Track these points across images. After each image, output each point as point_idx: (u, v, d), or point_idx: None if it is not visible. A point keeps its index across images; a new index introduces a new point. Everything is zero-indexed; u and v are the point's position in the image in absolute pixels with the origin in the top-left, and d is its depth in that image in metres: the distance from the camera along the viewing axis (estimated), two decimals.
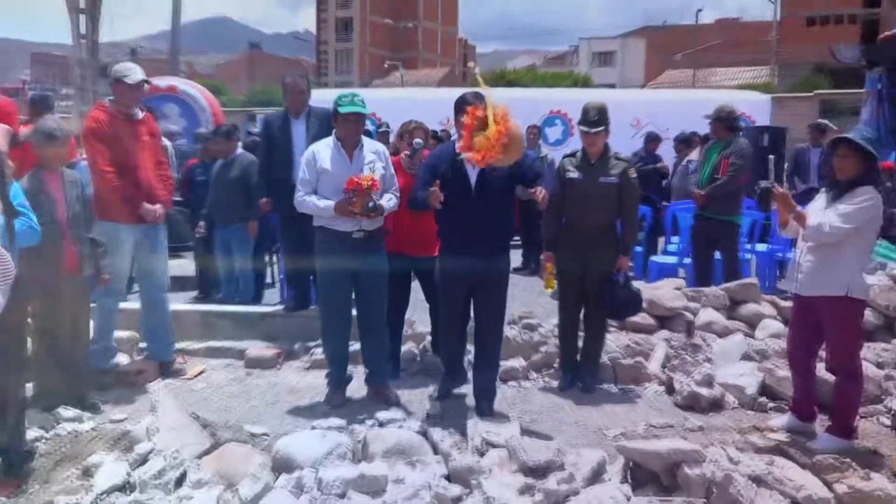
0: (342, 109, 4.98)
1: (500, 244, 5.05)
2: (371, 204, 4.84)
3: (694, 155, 9.64)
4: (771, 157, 10.75)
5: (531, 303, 7.02)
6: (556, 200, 5.49)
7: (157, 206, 5.55)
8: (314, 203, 4.99)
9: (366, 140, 5.19)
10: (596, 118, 5.42)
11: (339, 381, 5.28)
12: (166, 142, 8.29)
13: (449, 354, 5.35)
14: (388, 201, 5.06)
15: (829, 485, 3.73)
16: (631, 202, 5.54)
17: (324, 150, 5.06)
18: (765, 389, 5.28)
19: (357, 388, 5.43)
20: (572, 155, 5.66)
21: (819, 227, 4.30)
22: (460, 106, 4.85)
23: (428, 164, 5.04)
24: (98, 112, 5.52)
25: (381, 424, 4.62)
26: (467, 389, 5.33)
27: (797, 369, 4.72)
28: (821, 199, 4.52)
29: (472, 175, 4.83)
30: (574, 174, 5.50)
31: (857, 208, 4.24)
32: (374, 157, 5.09)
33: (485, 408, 5.02)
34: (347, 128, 5.02)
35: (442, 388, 5.34)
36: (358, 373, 5.50)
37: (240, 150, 7.76)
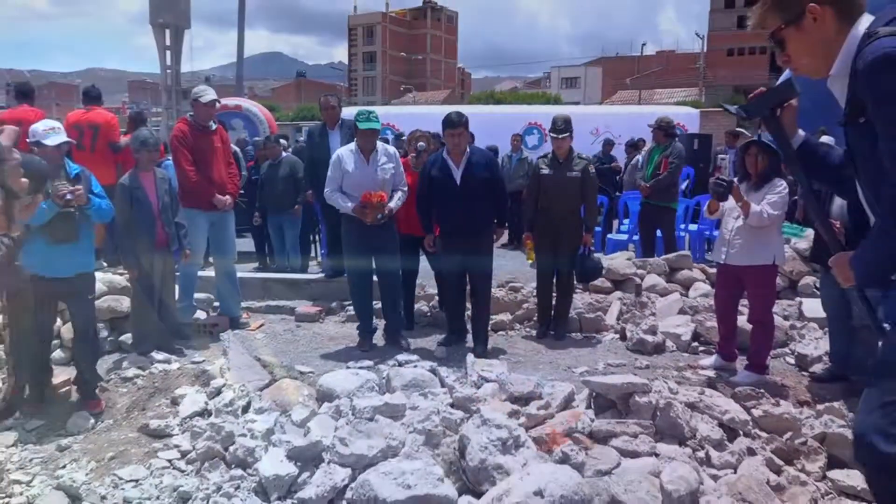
0: (360, 126, 4.96)
1: (482, 224, 5.05)
2: (380, 216, 4.90)
3: (638, 156, 9.56)
4: (724, 157, 10.79)
5: (515, 271, 6.93)
6: (533, 191, 5.51)
7: (227, 198, 5.50)
8: (339, 200, 5.00)
9: (380, 145, 5.14)
10: (562, 126, 5.38)
11: (366, 331, 5.25)
12: (236, 148, 8.19)
13: (451, 312, 5.34)
14: (398, 199, 5.08)
15: (747, 410, 3.69)
16: (591, 191, 5.48)
17: (347, 155, 5.02)
18: (696, 336, 5.24)
19: (382, 336, 5.39)
20: (544, 156, 5.60)
21: (760, 213, 4.21)
22: (446, 122, 4.98)
23: (423, 168, 5.18)
24: (181, 124, 5.47)
25: (400, 364, 4.60)
26: (466, 339, 5.31)
27: (722, 320, 4.67)
28: (741, 187, 4.43)
29: (457, 174, 4.93)
30: (546, 171, 5.44)
31: (780, 197, 4.20)
32: (386, 159, 5.07)
33: (480, 351, 5.00)
34: (365, 139, 5.01)
35: (447, 338, 5.30)
36: (381, 325, 5.46)
37: (285, 154, 7.66)
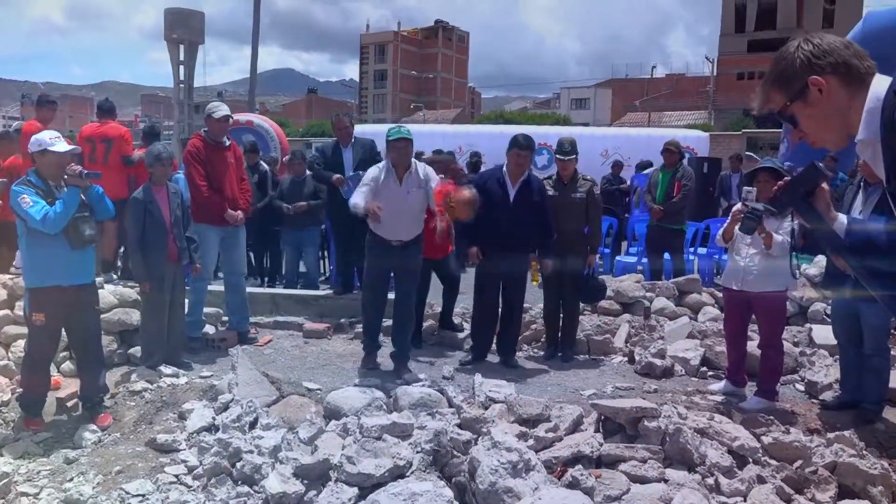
0: (391, 137, 4.84)
1: (525, 244, 5.20)
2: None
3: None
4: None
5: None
6: None
7: (238, 213, 5.53)
8: (355, 199, 4.78)
9: (419, 166, 4.97)
10: (569, 149, 5.41)
11: (371, 348, 5.18)
12: (266, 167, 8.27)
13: (480, 329, 5.42)
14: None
15: (757, 436, 3.67)
16: (596, 212, 5.51)
17: (381, 173, 4.87)
18: (705, 361, 5.22)
19: (385, 354, 5.35)
20: (549, 178, 5.62)
21: (782, 243, 4.19)
22: (513, 143, 5.16)
23: (476, 182, 5.33)
24: (195, 140, 5.54)
25: (407, 383, 4.59)
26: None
27: (732, 345, 4.65)
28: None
29: (511, 193, 5.15)
30: (551, 192, 5.46)
31: (792, 223, 4.18)
32: (418, 183, 4.87)
33: (512, 362, 5.25)
34: (397, 152, 4.84)
35: (473, 356, 5.36)
36: (387, 342, 5.42)
37: (308, 172, 7.70)
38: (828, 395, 4.50)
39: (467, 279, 6.27)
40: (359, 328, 5.87)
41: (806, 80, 1.55)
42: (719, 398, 4.48)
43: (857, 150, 1.60)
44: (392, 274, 5.08)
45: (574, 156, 5.41)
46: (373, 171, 4.92)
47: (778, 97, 1.62)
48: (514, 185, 5.16)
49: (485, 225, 5.11)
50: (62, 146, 4.06)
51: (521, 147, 5.12)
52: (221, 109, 5.48)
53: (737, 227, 4.29)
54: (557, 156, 5.49)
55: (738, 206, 4.36)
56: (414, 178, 4.89)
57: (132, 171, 6.86)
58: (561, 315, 5.58)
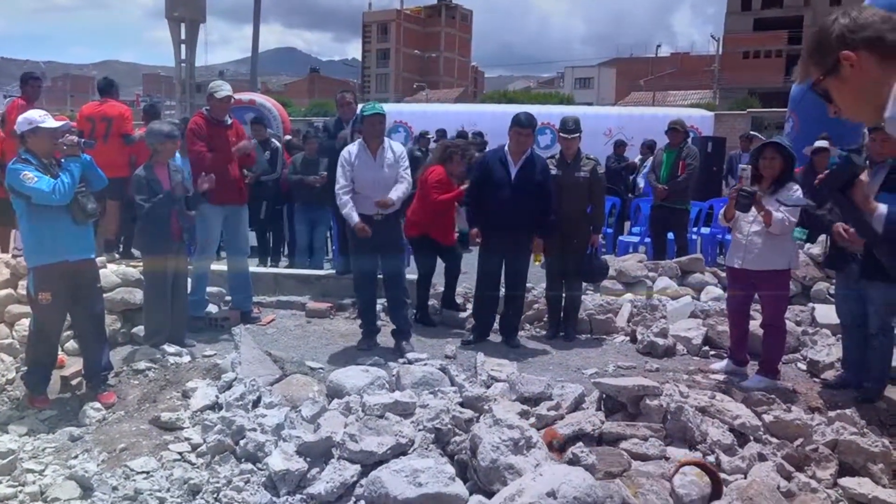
0: (366, 112, 4.96)
1: (526, 223, 5.13)
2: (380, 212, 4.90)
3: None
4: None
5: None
6: None
7: (249, 142, 5.67)
8: (347, 208, 4.89)
9: (388, 142, 5.08)
10: (572, 127, 5.38)
11: (369, 330, 5.19)
12: (277, 143, 8.27)
13: (482, 308, 5.42)
14: (395, 192, 4.91)
15: (758, 415, 3.68)
16: (599, 192, 5.49)
17: (354, 150, 4.99)
18: (707, 340, 5.21)
19: (386, 333, 5.36)
20: (552, 157, 5.58)
21: (783, 220, 4.16)
22: (515, 121, 5.16)
23: (480, 162, 5.37)
24: (197, 118, 5.53)
25: (409, 362, 4.60)
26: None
27: (735, 324, 4.64)
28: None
29: (513, 171, 5.11)
30: (554, 171, 5.42)
31: (795, 206, 4.15)
32: (391, 155, 4.99)
33: (514, 342, 5.23)
34: (371, 128, 4.94)
35: (475, 334, 5.35)
36: (387, 321, 5.44)
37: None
38: (829, 374, 4.50)
39: (470, 259, 6.27)
40: None
41: (837, 56, 1.51)
42: (721, 377, 4.48)
43: (887, 128, 1.57)
44: (378, 250, 5.06)
45: (578, 134, 5.37)
46: (344, 153, 5.00)
47: (814, 71, 1.59)
48: (515, 163, 5.14)
49: (487, 204, 5.16)
50: (52, 122, 4.08)
51: (522, 125, 5.10)
52: (224, 89, 5.46)
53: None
54: (561, 133, 5.46)
55: (735, 185, 4.35)
56: (388, 155, 4.98)
57: (133, 149, 6.83)
58: (563, 295, 5.58)
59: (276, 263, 8.07)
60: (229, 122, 5.56)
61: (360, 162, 4.93)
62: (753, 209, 4.19)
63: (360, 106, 6.06)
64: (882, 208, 1.89)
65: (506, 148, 5.24)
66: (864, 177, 1.85)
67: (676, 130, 7.32)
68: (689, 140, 7.63)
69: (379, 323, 5.35)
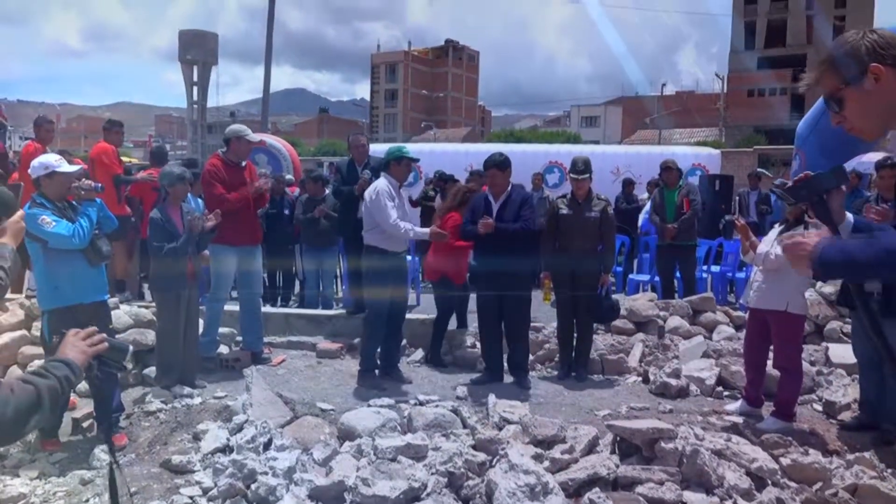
0: (405, 155, 5.21)
1: (516, 259, 5.11)
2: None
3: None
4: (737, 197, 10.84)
5: (536, 310, 6.87)
6: (551, 230, 5.57)
7: (265, 181, 5.76)
8: (412, 229, 5.19)
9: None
10: (582, 168, 5.45)
11: (374, 367, 5.27)
12: (287, 190, 8.46)
13: (487, 349, 5.44)
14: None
15: (775, 458, 3.63)
16: (609, 232, 5.52)
17: (386, 188, 5.12)
18: (720, 380, 5.18)
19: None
20: (563, 196, 5.64)
21: (766, 254, 4.22)
22: (485, 164, 5.30)
23: (469, 207, 5.49)
24: (214, 160, 5.61)
25: (421, 404, 4.58)
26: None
27: (750, 365, 4.61)
28: (774, 231, 4.44)
29: (495, 208, 5.22)
30: (565, 210, 5.48)
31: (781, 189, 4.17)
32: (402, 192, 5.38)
33: (524, 383, 5.21)
34: (407, 169, 5.28)
35: (482, 376, 5.35)
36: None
37: (327, 192, 7.75)
38: (846, 416, 4.45)
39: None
40: None
41: (867, 66, 1.58)
42: (736, 418, 4.43)
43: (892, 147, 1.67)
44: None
45: (588, 174, 5.43)
46: (385, 190, 5.09)
47: (832, 79, 1.66)
48: (496, 201, 5.25)
49: (476, 246, 5.30)
50: (68, 167, 4.15)
51: (490, 166, 5.23)
52: (251, 135, 5.66)
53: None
54: (571, 175, 5.53)
55: (734, 218, 4.42)
56: (402, 193, 5.35)
57: (133, 190, 6.91)
58: (574, 334, 5.57)
59: (286, 303, 8.10)
60: (244, 163, 5.66)
61: (396, 200, 5.15)
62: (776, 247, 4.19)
63: (383, 147, 6.23)
64: (850, 217, 2.08)
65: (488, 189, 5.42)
66: (843, 188, 1.98)
67: (671, 169, 7.41)
68: (689, 178, 7.71)
69: None
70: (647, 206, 9.07)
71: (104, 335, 1.72)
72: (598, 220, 5.41)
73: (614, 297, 5.96)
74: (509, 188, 5.23)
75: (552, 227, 5.55)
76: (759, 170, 12.79)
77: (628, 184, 11.31)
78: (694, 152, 16.31)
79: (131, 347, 3.10)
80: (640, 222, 9.61)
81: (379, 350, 5.32)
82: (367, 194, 5.21)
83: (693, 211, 7.18)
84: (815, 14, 48.43)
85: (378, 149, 9.86)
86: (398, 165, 5.20)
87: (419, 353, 5.93)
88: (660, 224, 7.33)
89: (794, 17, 50.06)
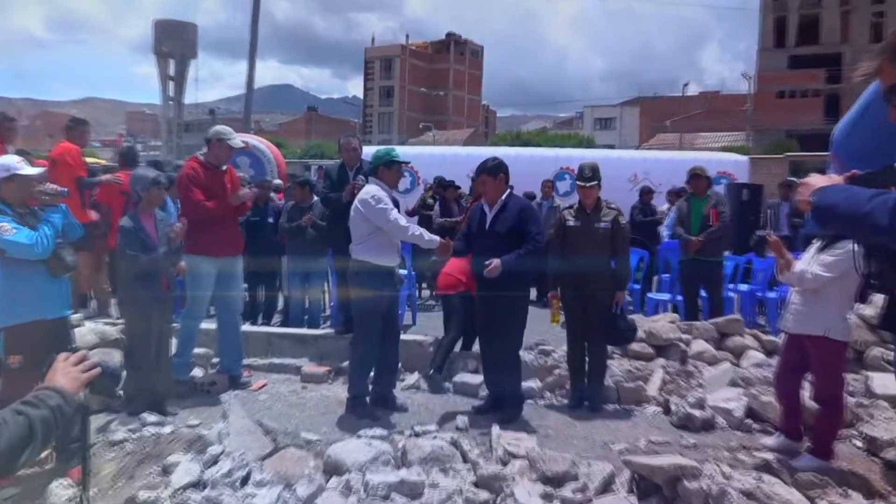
0: (395, 159, 5.24)
1: (512, 270, 5.02)
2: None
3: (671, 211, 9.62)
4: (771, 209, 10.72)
5: (546, 332, 6.88)
6: (559, 244, 5.55)
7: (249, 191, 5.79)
8: (420, 232, 5.25)
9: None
10: (590, 175, 5.45)
11: (365, 394, 5.25)
12: (274, 196, 8.46)
13: (485, 374, 5.43)
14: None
15: (811, 500, 3.59)
16: (622, 244, 5.49)
17: (383, 194, 5.16)
18: (750, 412, 5.13)
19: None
20: (570, 206, 5.64)
21: (802, 273, 4.20)
22: (477, 172, 5.32)
23: (467, 217, 5.54)
24: (193, 162, 5.61)
25: (417, 435, 4.54)
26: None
27: (784, 396, 4.57)
28: (812, 248, 4.41)
29: (489, 217, 5.17)
30: (572, 222, 5.48)
31: (836, 259, 4.13)
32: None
33: (503, 416, 5.02)
34: (396, 176, 5.30)
35: (488, 404, 5.32)
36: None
37: (315, 199, 7.75)
38: (890, 453, 4.40)
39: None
40: None
41: None
42: (767, 455, 4.38)
43: None
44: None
45: (595, 182, 5.43)
46: (382, 195, 5.12)
47: (893, 71, 1.68)
48: (491, 210, 5.22)
49: (472, 259, 5.24)
50: (30, 168, 4.13)
51: (480, 171, 5.24)
52: (235, 138, 5.64)
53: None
54: (578, 182, 5.53)
55: (766, 234, 4.39)
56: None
57: (101, 195, 6.90)
58: (587, 359, 5.54)
59: (268, 321, 8.08)
60: (224, 167, 5.66)
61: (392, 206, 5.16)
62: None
63: (373, 149, 6.22)
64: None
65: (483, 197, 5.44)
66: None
67: (701, 177, 7.40)
68: (712, 185, 7.69)
69: None
70: (670, 217, 9.06)
71: (97, 360, 1.70)
72: (609, 231, 5.39)
73: (631, 317, 5.94)
74: (504, 196, 5.19)
75: (560, 240, 5.54)
76: (790, 178, 12.78)
77: (646, 192, 11.35)
78: (719, 158, 16.41)
79: (124, 373, 3.06)
80: (663, 234, 9.62)
81: (371, 374, 5.28)
82: (357, 201, 5.17)
83: (722, 223, 7.17)
84: (851, 9, 48.77)
85: (371, 151, 9.90)
86: (388, 171, 5.22)
87: (414, 378, 5.89)
88: (684, 236, 7.32)
89: (828, 12, 50.44)
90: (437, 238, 5.26)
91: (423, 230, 5.33)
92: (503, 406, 5.20)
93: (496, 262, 4.91)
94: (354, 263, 5.16)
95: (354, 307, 5.26)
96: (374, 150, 6.00)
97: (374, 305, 5.11)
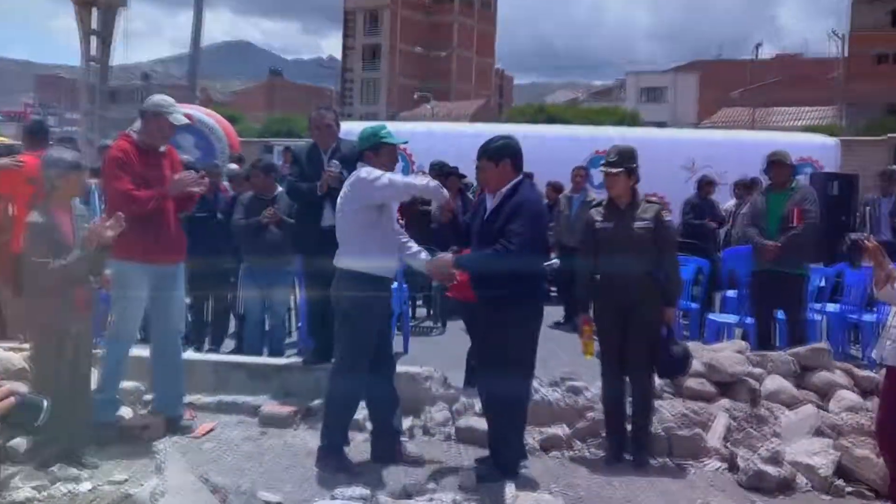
0: (385, 139, 5.23)
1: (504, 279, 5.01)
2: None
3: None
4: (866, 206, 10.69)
5: (575, 362, 6.90)
6: (588, 252, 5.59)
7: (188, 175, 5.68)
8: (426, 181, 5.31)
9: None
10: (615, 159, 5.48)
11: (344, 442, 5.26)
12: (228, 185, 8.46)
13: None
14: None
15: None
16: (668, 247, 5.52)
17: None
18: (840, 470, 5.13)
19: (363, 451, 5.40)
20: (598, 204, 5.66)
21: None
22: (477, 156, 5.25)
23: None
24: (123, 142, 5.59)
25: (409, 496, 4.55)
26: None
27: (888, 449, 4.56)
28: None
29: (489, 208, 5.21)
30: (602, 223, 5.51)
31: None
32: None
33: (484, 472, 5.04)
34: (389, 160, 5.27)
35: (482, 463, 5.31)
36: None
37: (280, 188, 7.76)
38: None
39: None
40: None
41: None
42: None
43: None
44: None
45: (622, 168, 5.45)
46: (373, 169, 5.15)
47: None
48: (491, 201, 5.24)
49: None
50: None
51: (479, 155, 5.23)
52: (178, 112, 5.63)
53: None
54: (601, 168, 5.59)
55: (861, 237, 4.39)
56: None
57: (1, 185, 6.91)
58: (628, 399, 5.55)
59: (217, 348, 8.08)
60: (163, 149, 5.69)
61: (389, 212, 5.21)
62: None
63: (359, 126, 6.24)
64: None
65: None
66: None
67: (781, 165, 7.40)
68: (801, 177, 7.71)
69: None
70: (744, 210, 9.01)
71: (13, 388, 1.71)
72: (651, 231, 5.40)
73: (685, 343, 5.93)
74: (510, 186, 5.13)
75: (589, 246, 5.58)
76: (893, 167, 12.80)
77: (706, 184, 11.32)
78: (800, 140, 16.47)
79: (46, 402, 3.08)
80: (733, 234, 9.63)
81: (352, 419, 5.34)
82: (347, 188, 5.19)
83: (806, 225, 7.15)
84: None
85: (352, 129, 9.91)
86: (376, 155, 5.20)
87: (407, 422, 5.90)
88: (757, 240, 7.33)
89: None
90: (444, 191, 5.25)
91: (427, 178, 5.42)
92: (498, 460, 5.20)
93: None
94: (340, 274, 5.16)
95: (339, 330, 5.28)
96: (357, 127, 6.02)
97: (364, 328, 5.12)
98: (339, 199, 5.27)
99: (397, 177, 5.23)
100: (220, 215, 8.12)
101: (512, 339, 5.01)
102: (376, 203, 5.12)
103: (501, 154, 5.13)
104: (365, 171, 5.11)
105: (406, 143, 5.71)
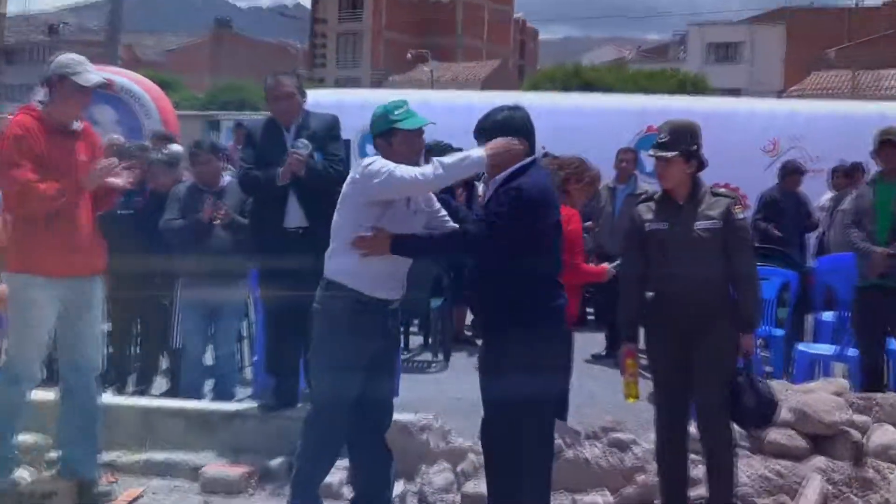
0: (406, 125, 5.14)
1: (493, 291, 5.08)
2: None
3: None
4: None
5: (620, 406, 6.89)
6: (635, 262, 5.60)
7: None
8: (472, 153, 5.04)
9: None
10: (666, 139, 5.42)
11: None
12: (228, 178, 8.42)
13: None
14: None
15: None
16: (743, 255, 5.48)
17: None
18: None
19: None
20: (649, 198, 5.62)
21: None
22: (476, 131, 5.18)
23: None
24: (24, 117, 5.58)
25: None
26: None
27: None
28: None
29: (484, 199, 5.39)
30: (654, 223, 5.49)
31: None
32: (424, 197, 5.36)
33: None
34: (410, 149, 5.17)
35: None
36: None
37: (228, 178, 7.74)
38: None
39: None
40: None
41: None
42: None
43: None
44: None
45: (677, 151, 5.40)
46: (382, 160, 5.11)
47: None
48: (490, 185, 5.28)
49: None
50: None
51: (478, 130, 5.17)
52: (90, 70, 5.63)
53: None
54: (650, 152, 5.59)
55: None
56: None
57: None
58: (689, 454, 5.57)
59: (145, 389, 8.10)
60: (79, 126, 5.70)
61: (389, 206, 5.08)
62: None
63: (332, 96, 6.20)
64: None
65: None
66: None
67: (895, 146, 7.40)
68: None
69: None
70: (845, 206, 8.99)
71: None
72: (719, 233, 5.37)
73: (768, 381, 5.94)
74: (511, 170, 5.02)
75: (636, 254, 5.60)
76: None
77: (791, 172, 11.30)
78: None
79: None
80: (830, 238, 9.61)
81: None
82: (348, 186, 5.16)
83: None
84: None
85: (325, 100, 9.90)
86: (388, 145, 5.16)
87: (399, 488, 5.91)
88: (863, 246, 7.36)
89: None
90: (483, 154, 5.00)
91: (456, 153, 5.22)
92: None
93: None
94: (328, 285, 5.14)
95: (317, 364, 5.32)
96: (330, 96, 6.00)
97: (350, 366, 5.11)
98: (341, 194, 5.24)
99: (408, 172, 4.98)
100: (151, 213, 8.10)
101: (517, 380, 4.87)
102: (380, 199, 5.08)
103: (503, 131, 5.10)
104: (365, 163, 5.10)
105: (433, 123, 5.44)
